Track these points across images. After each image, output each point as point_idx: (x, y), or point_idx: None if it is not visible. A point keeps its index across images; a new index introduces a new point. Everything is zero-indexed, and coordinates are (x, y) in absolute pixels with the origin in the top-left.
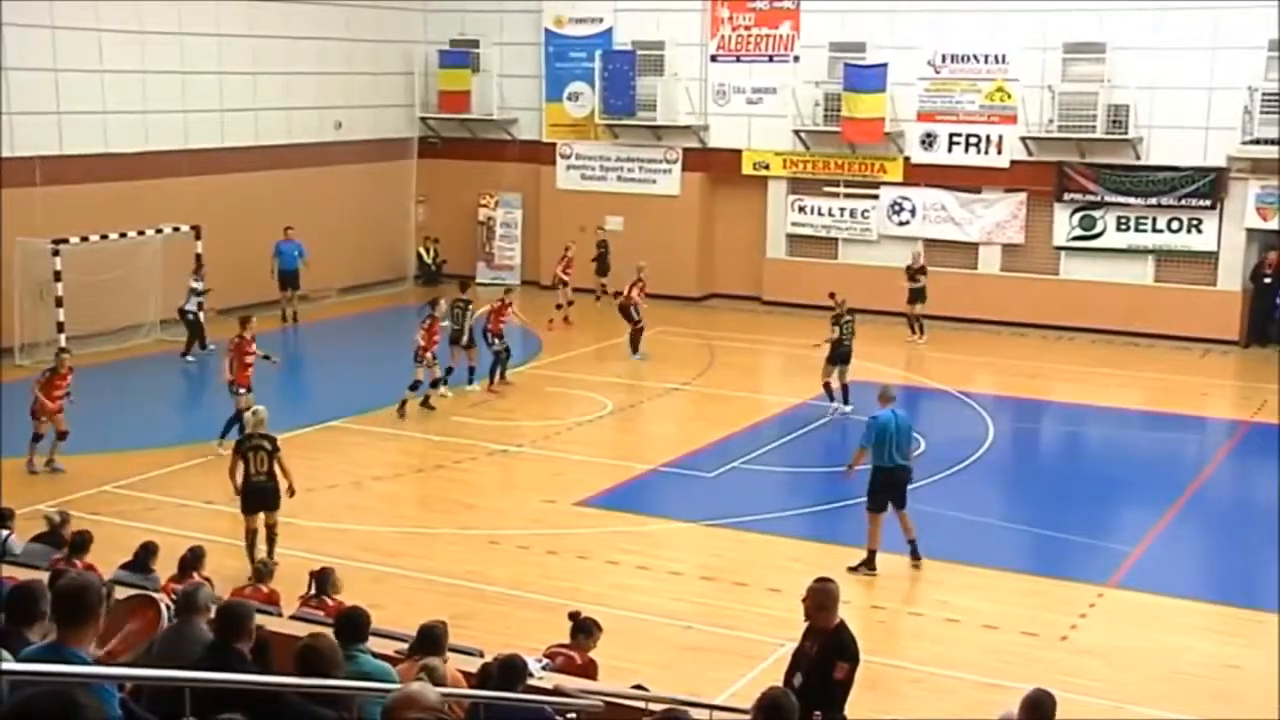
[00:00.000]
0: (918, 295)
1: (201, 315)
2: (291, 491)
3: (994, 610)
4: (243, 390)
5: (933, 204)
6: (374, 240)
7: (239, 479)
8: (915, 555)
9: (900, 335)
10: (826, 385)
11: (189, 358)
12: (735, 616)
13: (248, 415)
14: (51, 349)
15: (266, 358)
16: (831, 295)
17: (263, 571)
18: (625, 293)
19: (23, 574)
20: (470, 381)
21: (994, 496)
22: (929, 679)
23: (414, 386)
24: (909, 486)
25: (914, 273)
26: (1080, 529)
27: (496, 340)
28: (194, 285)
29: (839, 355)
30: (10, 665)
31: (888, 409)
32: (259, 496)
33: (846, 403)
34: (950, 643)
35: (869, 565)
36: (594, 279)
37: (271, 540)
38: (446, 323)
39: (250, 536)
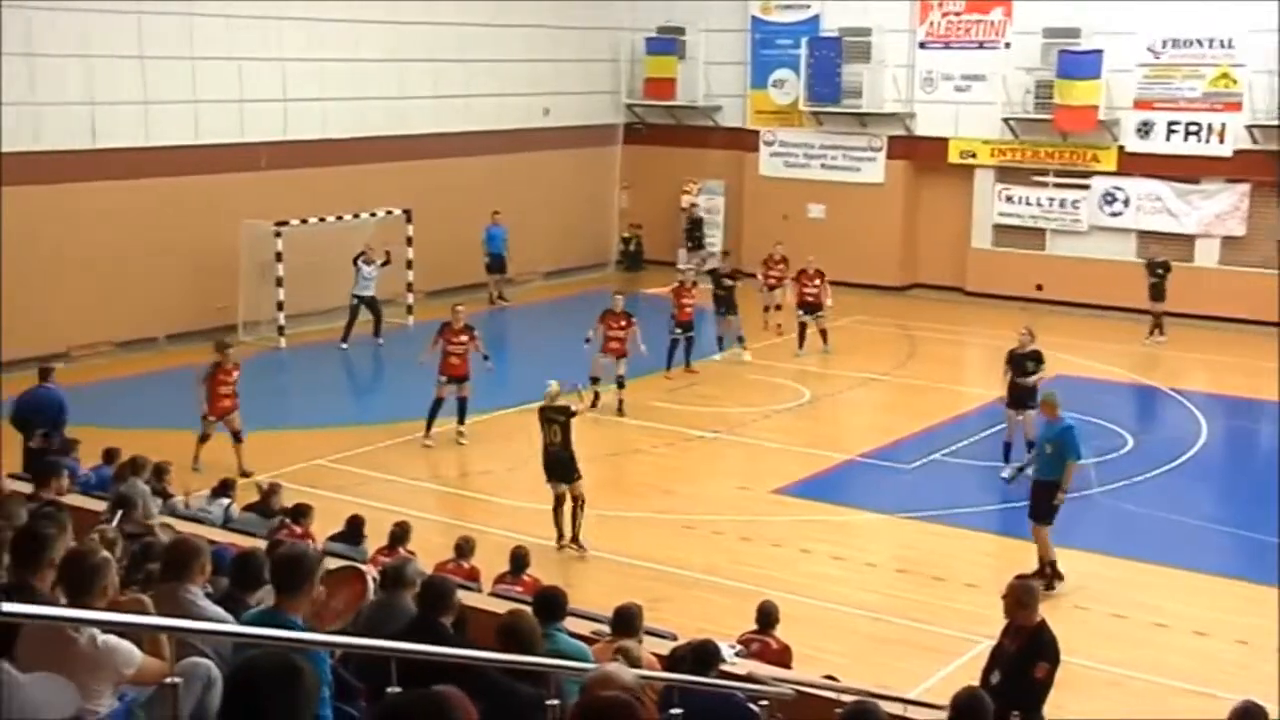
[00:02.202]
0: (1157, 293)
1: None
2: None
3: (1203, 616)
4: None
5: (1147, 194)
6: (578, 225)
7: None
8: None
9: (1111, 329)
10: (1007, 444)
11: (380, 340)
12: (930, 610)
13: (549, 387)
14: (272, 328)
15: (485, 358)
16: (1026, 330)
17: (464, 548)
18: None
19: (242, 542)
20: (740, 345)
21: (1205, 498)
22: (1129, 682)
23: (594, 379)
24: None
25: (1154, 267)
26: None
27: (679, 329)
28: (365, 271)
29: (1019, 398)
30: (234, 628)
31: (1067, 418)
32: (555, 466)
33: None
34: (1155, 647)
35: (1057, 576)
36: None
37: (575, 512)
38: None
39: (556, 502)
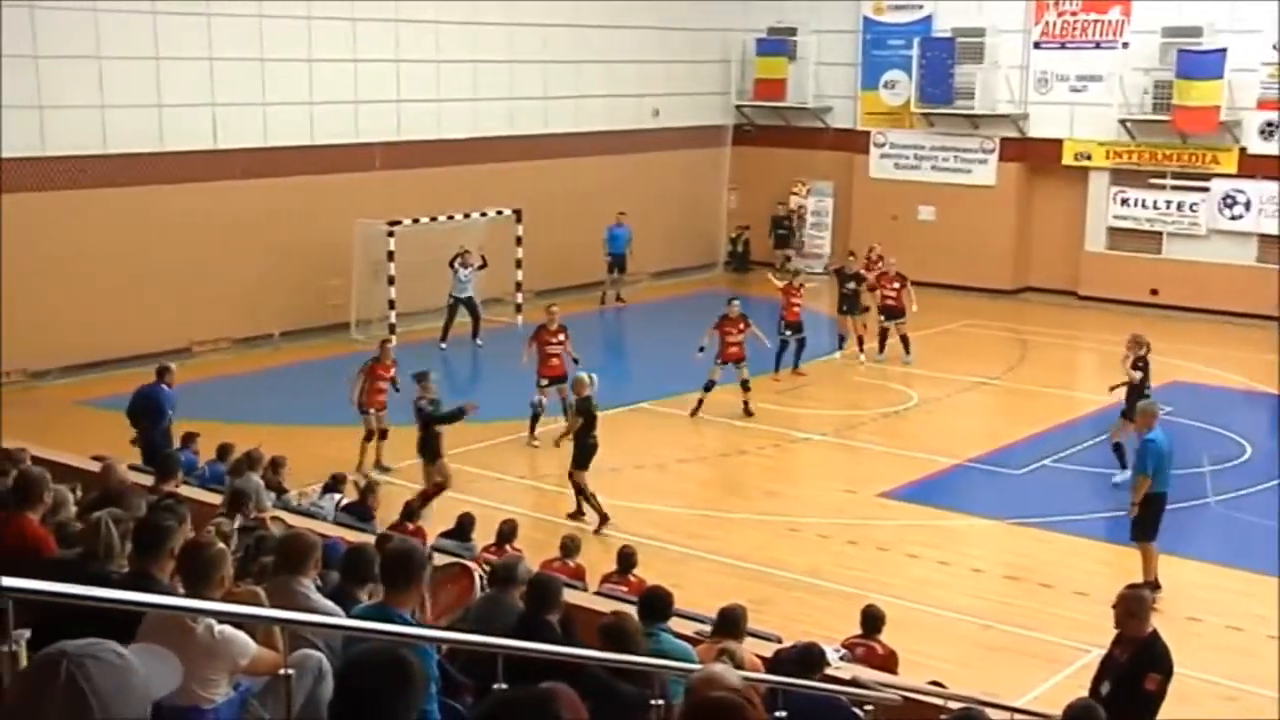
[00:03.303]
0: None
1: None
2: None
3: None
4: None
5: (1270, 197)
6: (687, 226)
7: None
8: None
9: (1229, 335)
10: (1117, 446)
11: (478, 341)
12: (1038, 618)
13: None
14: (383, 326)
15: (575, 361)
16: (1135, 339)
17: (570, 546)
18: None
19: (352, 536)
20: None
21: None
22: (1244, 696)
23: (708, 387)
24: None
25: None
26: None
27: (788, 330)
28: (461, 273)
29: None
30: (345, 621)
31: (1160, 430)
32: (581, 455)
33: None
34: (1270, 660)
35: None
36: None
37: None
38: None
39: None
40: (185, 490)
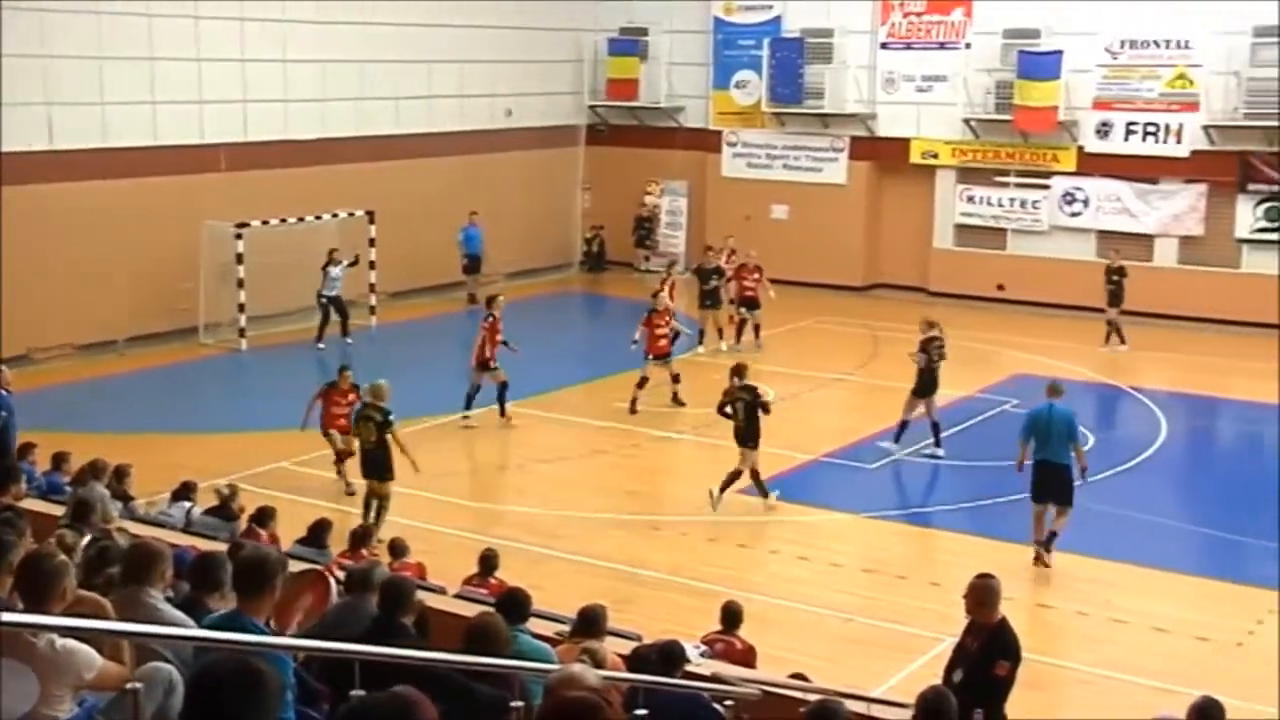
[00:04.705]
0: (1115, 299)
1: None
2: (415, 468)
3: (1165, 613)
4: (494, 365)
5: (1107, 195)
6: (542, 226)
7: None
8: (1047, 547)
9: (1071, 329)
10: (903, 424)
11: (349, 340)
12: (896, 610)
13: (365, 386)
14: (233, 328)
15: (505, 344)
16: (925, 322)
17: (399, 548)
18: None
19: (204, 545)
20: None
21: (1166, 496)
22: (1096, 680)
23: (641, 383)
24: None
25: (1111, 273)
26: (1258, 531)
27: (743, 308)
28: (332, 271)
29: (927, 385)
30: (195, 632)
31: (1046, 402)
32: (365, 463)
33: (938, 445)
34: (1118, 644)
35: (1037, 558)
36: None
37: (380, 510)
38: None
39: (365, 500)
40: (25, 503)
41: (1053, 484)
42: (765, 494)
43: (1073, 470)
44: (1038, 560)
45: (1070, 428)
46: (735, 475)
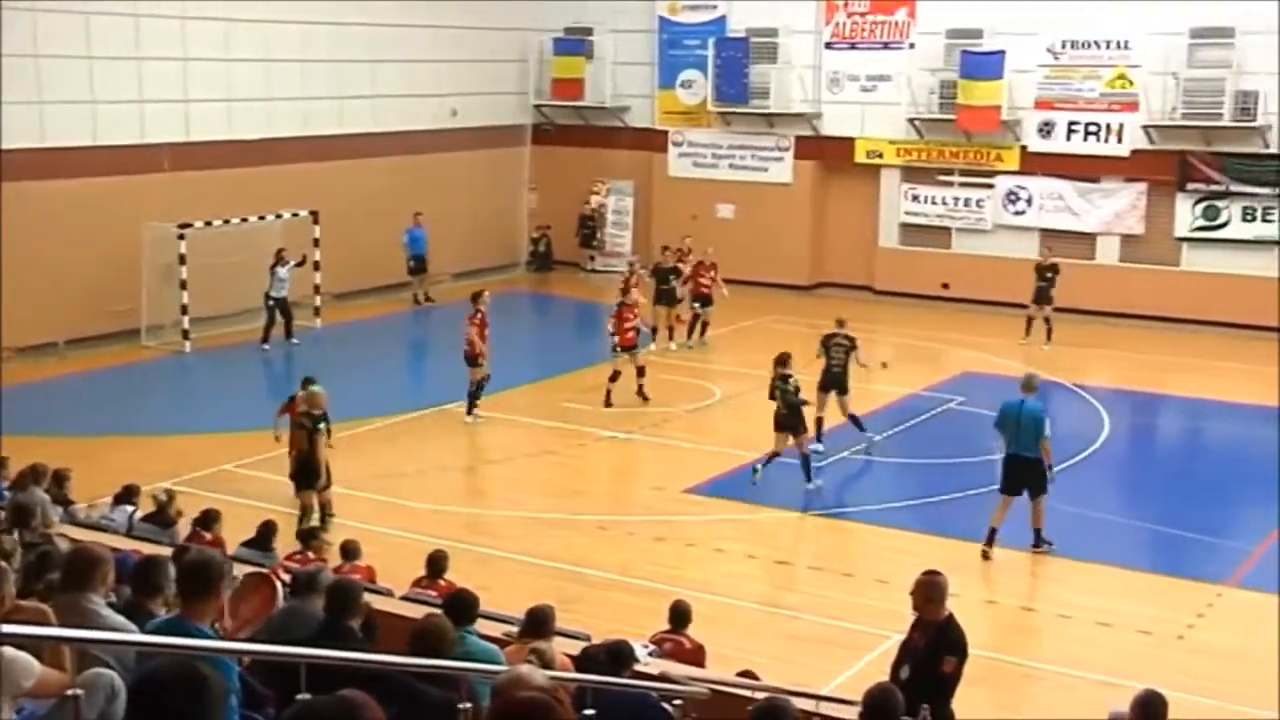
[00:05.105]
0: (1045, 296)
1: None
2: (328, 479)
3: (1108, 607)
4: (482, 361)
5: (1050, 193)
6: (488, 226)
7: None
8: (1036, 543)
9: (1015, 326)
10: (818, 420)
11: (294, 340)
12: (842, 607)
13: (299, 393)
14: (176, 330)
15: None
16: (836, 320)
17: (351, 550)
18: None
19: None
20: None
21: (1108, 491)
22: (1042, 675)
23: (614, 377)
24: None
25: (1043, 270)
26: (1199, 526)
27: (697, 303)
28: (280, 272)
29: (827, 381)
30: (137, 637)
31: (1018, 397)
32: (300, 472)
33: (862, 429)
34: (1064, 639)
35: (988, 541)
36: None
37: (324, 516)
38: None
39: (302, 508)
40: None
41: (1024, 477)
42: (810, 477)
43: (1043, 462)
44: (990, 545)
45: (1039, 424)
46: (773, 455)
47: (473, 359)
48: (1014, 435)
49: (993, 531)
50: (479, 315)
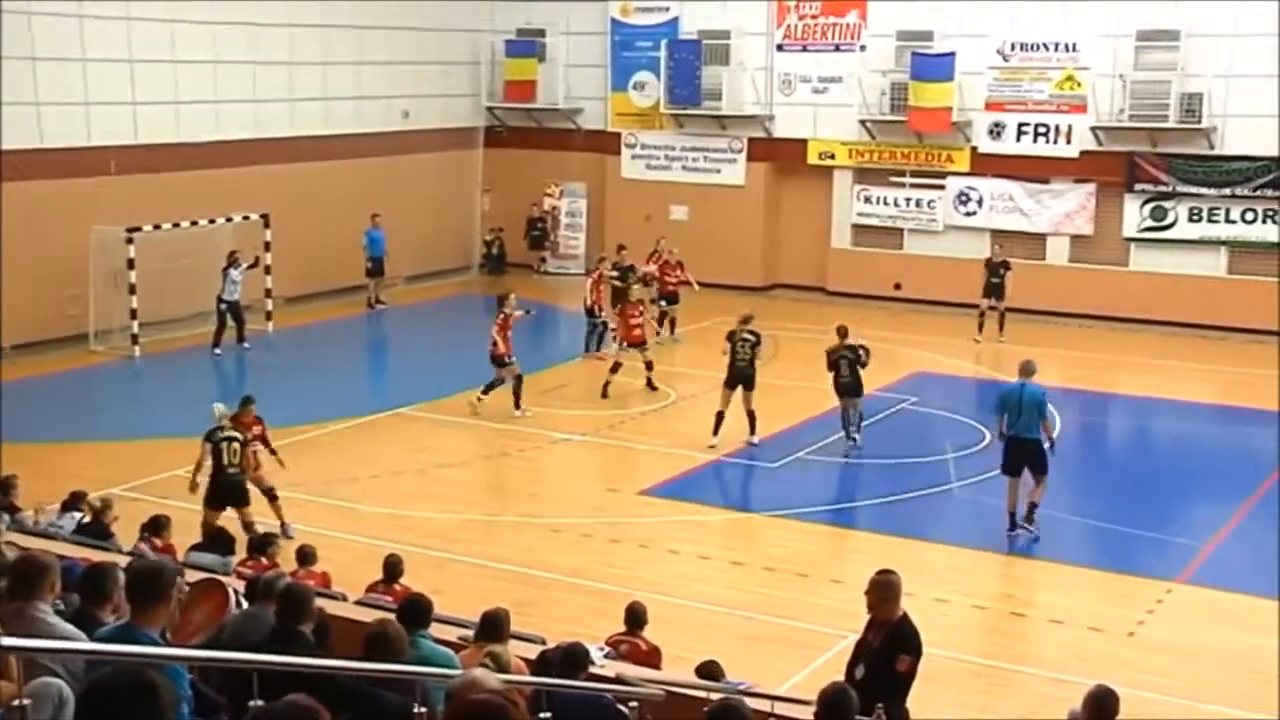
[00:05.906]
0: (994, 291)
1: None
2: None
3: (1060, 605)
4: (509, 360)
5: (1000, 194)
6: (441, 228)
7: (205, 473)
8: (1028, 516)
9: (967, 327)
10: (719, 414)
11: (245, 344)
12: (797, 608)
13: (215, 408)
14: (125, 335)
15: (527, 312)
16: (744, 318)
17: (308, 555)
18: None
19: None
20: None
21: (1059, 490)
22: (993, 673)
23: (615, 368)
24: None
25: (995, 266)
26: (1148, 524)
27: (663, 300)
28: (233, 274)
29: (734, 377)
30: (85, 645)
31: (1018, 381)
32: (231, 491)
33: (753, 432)
34: (1015, 637)
35: (1011, 527)
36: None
37: (250, 528)
38: (520, 311)
39: (206, 530)
40: None
41: (1026, 457)
42: (851, 438)
43: (1043, 443)
44: (1014, 528)
45: (1040, 406)
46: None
47: (497, 359)
48: (1015, 418)
49: (1012, 515)
50: (503, 317)
